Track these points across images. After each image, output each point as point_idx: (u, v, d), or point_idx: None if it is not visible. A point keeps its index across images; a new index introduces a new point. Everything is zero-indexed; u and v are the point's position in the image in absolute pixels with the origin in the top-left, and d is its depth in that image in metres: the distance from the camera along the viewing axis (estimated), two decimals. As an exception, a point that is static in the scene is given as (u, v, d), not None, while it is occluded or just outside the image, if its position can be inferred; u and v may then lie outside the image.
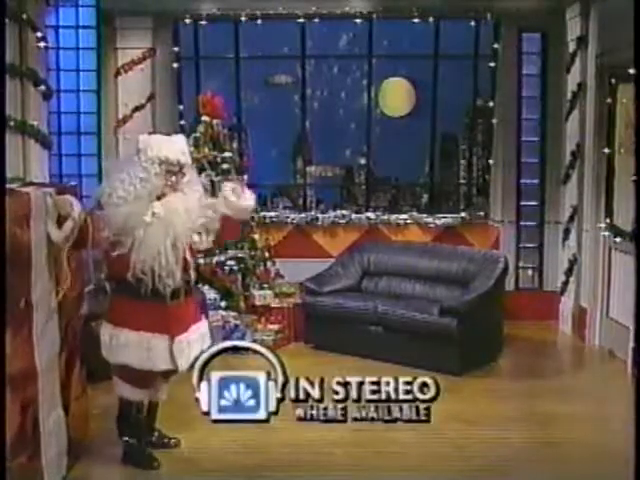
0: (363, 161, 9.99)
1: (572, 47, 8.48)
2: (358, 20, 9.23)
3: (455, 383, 6.81)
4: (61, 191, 4.82)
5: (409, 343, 7.25)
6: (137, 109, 9.16)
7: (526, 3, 8.91)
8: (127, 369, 4.92)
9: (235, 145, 9.04)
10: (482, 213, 9.60)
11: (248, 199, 5.20)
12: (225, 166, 8.25)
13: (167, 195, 4.88)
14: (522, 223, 9.37)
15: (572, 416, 6.00)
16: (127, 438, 5.12)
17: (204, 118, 8.31)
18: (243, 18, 9.15)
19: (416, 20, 9.14)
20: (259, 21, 9.13)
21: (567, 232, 8.71)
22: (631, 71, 6.44)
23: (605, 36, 7.88)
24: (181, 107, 9.45)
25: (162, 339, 4.88)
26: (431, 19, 9.16)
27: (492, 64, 9.37)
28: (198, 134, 8.29)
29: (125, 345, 4.86)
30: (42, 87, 7.35)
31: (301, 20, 9.20)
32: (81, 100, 8.74)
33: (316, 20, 9.19)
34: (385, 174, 10.18)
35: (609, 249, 7.89)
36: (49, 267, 4.62)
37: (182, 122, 9.39)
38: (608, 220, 7.79)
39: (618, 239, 7.50)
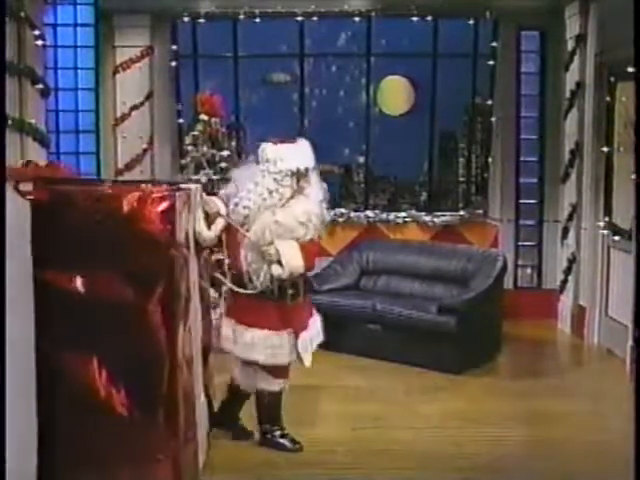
0: (362, 159, 9.97)
1: (571, 45, 8.46)
2: (357, 18, 9.19)
3: (454, 381, 6.83)
4: None
5: (408, 341, 7.25)
6: (135, 107, 9.14)
7: (525, 1, 8.91)
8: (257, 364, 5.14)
9: (233, 143, 9.02)
10: (481, 211, 9.58)
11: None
12: (223, 164, 8.24)
13: (293, 197, 5.03)
14: (521, 221, 9.35)
15: (571, 414, 6.00)
16: (269, 427, 5.34)
17: (202, 116, 8.29)
18: (241, 16, 9.11)
19: (415, 18, 9.11)
20: (257, 19, 9.09)
21: (566, 230, 8.70)
22: (630, 69, 6.43)
23: (604, 34, 7.87)
24: (179, 105, 9.43)
25: (287, 337, 5.12)
26: (430, 17, 9.12)
27: (491, 62, 9.35)
28: (196, 132, 8.28)
29: (252, 343, 5.05)
30: (40, 85, 7.33)
31: (299, 18, 9.16)
32: (79, 98, 8.74)
33: (314, 18, 9.16)
34: (384, 172, 10.17)
35: (608, 247, 7.89)
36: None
37: (180, 120, 9.40)
38: (607, 218, 7.79)
39: (617, 237, 7.50)
